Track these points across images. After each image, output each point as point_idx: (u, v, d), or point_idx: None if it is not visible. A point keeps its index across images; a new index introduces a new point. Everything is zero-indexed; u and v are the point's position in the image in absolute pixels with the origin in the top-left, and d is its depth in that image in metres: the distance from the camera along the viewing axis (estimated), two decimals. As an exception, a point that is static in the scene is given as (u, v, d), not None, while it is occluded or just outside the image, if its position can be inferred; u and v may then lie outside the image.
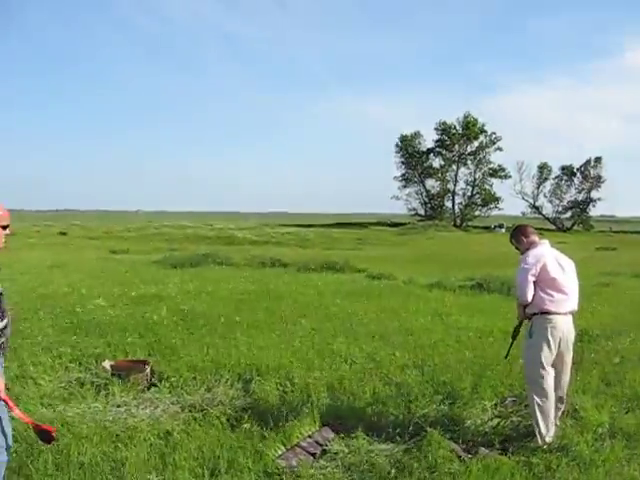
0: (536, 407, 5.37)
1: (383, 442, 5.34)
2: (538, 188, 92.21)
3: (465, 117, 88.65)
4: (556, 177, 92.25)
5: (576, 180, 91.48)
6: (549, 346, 5.38)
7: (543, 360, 5.38)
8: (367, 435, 5.39)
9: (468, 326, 10.30)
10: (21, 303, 11.84)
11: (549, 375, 5.42)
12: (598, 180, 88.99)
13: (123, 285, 15.45)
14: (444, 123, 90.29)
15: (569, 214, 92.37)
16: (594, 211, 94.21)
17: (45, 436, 3.96)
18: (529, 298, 5.44)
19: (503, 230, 73.03)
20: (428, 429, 5.39)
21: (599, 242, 50.66)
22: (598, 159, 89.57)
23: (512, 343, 6.05)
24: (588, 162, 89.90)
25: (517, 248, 5.86)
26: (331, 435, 5.50)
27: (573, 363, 5.90)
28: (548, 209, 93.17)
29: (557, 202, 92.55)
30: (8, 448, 3.92)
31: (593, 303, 13.59)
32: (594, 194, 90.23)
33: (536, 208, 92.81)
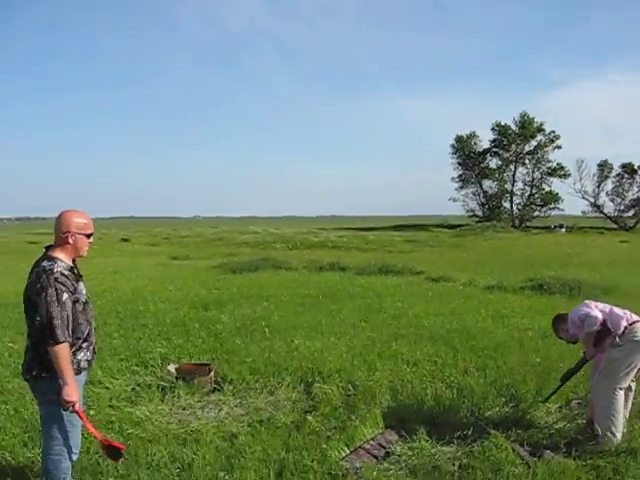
0: (609, 408, 5.29)
1: (446, 444, 5.34)
2: (599, 187, 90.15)
3: (522, 116, 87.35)
4: (617, 175, 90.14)
5: (638, 178, 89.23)
6: (638, 352, 5.33)
7: (630, 365, 5.33)
8: (430, 437, 5.40)
9: (530, 328, 10.16)
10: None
11: (630, 379, 5.40)
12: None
13: (185, 290, 15.71)
14: (500, 124, 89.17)
15: (632, 212, 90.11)
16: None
17: (114, 453, 4.14)
18: (600, 316, 5.38)
19: (563, 230, 71.71)
20: (492, 431, 5.37)
21: (664, 241, 49.33)
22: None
23: (560, 387, 6.01)
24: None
25: (567, 339, 5.92)
26: (394, 437, 5.52)
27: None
28: (610, 208, 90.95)
29: (619, 200, 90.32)
30: (73, 454, 4.18)
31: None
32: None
33: (597, 207, 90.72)
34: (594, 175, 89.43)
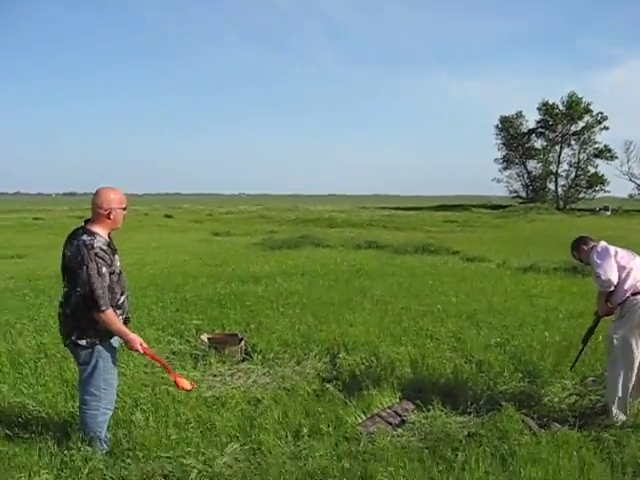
0: (615, 384, 5.48)
1: (460, 415, 5.59)
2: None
3: (569, 96, 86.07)
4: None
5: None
6: (638, 325, 5.48)
7: (632, 340, 5.45)
8: (444, 408, 5.66)
9: (557, 308, 10.31)
10: (129, 281, 12.65)
11: (637, 355, 5.52)
12: None
13: (224, 265, 16.16)
14: (546, 103, 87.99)
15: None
16: None
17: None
18: (615, 280, 5.51)
19: (609, 213, 70.85)
20: (504, 404, 5.62)
21: None
22: None
23: (583, 349, 6.19)
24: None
25: (580, 260, 6.03)
26: (410, 407, 5.79)
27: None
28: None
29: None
30: (108, 409, 4.66)
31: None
32: None
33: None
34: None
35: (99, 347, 4.47)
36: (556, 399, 6.04)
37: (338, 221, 44.09)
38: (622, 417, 5.43)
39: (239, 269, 15.34)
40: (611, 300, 5.66)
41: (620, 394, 5.47)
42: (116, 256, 4.56)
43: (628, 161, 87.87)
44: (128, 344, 4.47)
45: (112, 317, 4.33)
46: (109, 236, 4.58)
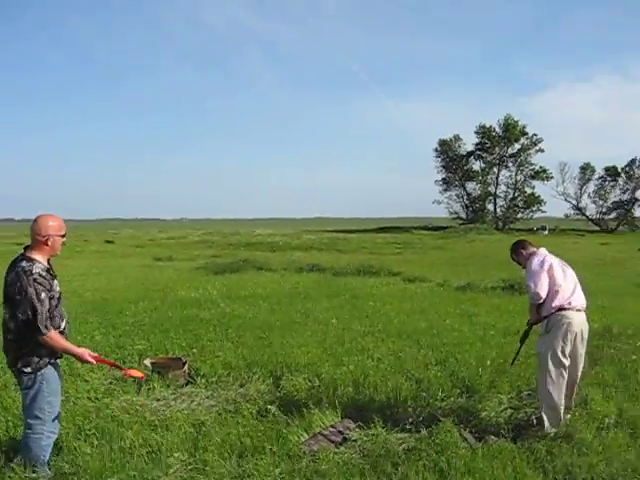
0: (546, 397, 5.71)
1: (400, 431, 5.75)
2: (581, 189, 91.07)
3: (505, 119, 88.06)
4: (600, 178, 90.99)
5: (620, 180, 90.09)
6: (565, 341, 5.70)
7: (559, 354, 5.70)
8: (385, 425, 5.80)
9: (495, 326, 10.61)
10: (69, 307, 12.54)
11: (563, 368, 5.73)
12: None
13: (166, 290, 16.08)
14: (484, 126, 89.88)
15: (614, 215, 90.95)
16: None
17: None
18: (544, 294, 5.75)
19: (546, 232, 72.43)
20: (442, 419, 5.79)
21: (643, 243, 49.87)
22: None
23: (520, 347, 6.41)
24: (633, 162, 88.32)
25: (518, 263, 6.27)
26: (352, 425, 5.92)
27: (591, 358, 6.23)
28: (592, 210, 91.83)
29: (601, 203, 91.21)
30: (52, 434, 4.71)
31: (624, 302, 13.84)
32: (639, 194, 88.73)
33: (579, 209, 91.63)
34: (576, 178, 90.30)
35: (42, 371, 4.52)
36: (492, 413, 6.25)
37: (280, 244, 44.18)
38: (555, 428, 5.65)
39: (182, 294, 15.30)
40: (539, 311, 5.91)
41: (552, 406, 5.70)
42: (55, 281, 4.63)
43: (563, 182, 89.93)
44: (78, 358, 4.61)
45: (55, 337, 4.43)
46: (48, 262, 4.65)
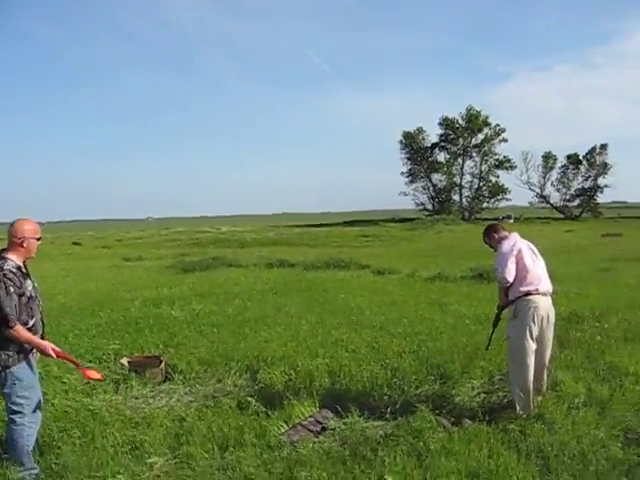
0: (517, 380, 5.88)
1: (377, 419, 5.90)
2: (544, 177, 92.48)
3: (468, 110, 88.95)
4: (562, 166, 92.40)
5: (582, 168, 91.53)
6: (533, 324, 5.86)
7: (527, 337, 5.86)
8: (362, 414, 5.93)
9: (465, 314, 10.80)
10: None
11: (531, 351, 5.89)
12: (604, 167, 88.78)
13: (137, 290, 16.03)
14: (447, 118, 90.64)
15: (577, 202, 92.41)
16: (605, 198, 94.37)
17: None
18: (511, 278, 5.93)
19: (511, 221, 73.34)
20: (418, 405, 5.94)
21: (606, 229, 50.74)
22: (604, 146, 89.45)
23: (493, 332, 6.57)
24: (593, 149, 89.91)
25: (490, 246, 6.38)
26: (330, 415, 6.03)
27: (559, 342, 6.40)
28: (556, 198, 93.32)
29: (564, 190, 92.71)
30: (34, 424, 4.92)
31: (589, 287, 14.14)
32: (601, 181, 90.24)
33: (543, 197, 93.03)
34: (539, 166, 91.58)
35: (12, 369, 4.71)
36: (466, 398, 6.44)
37: (248, 241, 44.21)
38: (526, 409, 5.82)
39: (153, 293, 15.28)
40: (508, 295, 6.09)
41: (522, 389, 5.86)
42: (28, 280, 4.84)
43: (527, 170, 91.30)
44: (41, 351, 4.81)
45: (21, 331, 4.63)
46: (24, 264, 4.89)
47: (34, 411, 4.88)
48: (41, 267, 25.26)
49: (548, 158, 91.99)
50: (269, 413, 5.93)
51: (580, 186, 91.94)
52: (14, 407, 4.76)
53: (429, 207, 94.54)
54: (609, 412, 5.78)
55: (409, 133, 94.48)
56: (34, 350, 4.89)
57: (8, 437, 4.85)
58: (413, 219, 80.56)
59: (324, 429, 5.74)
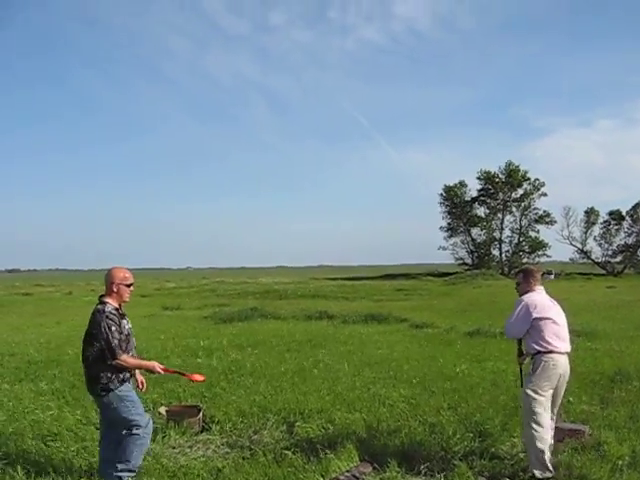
0: (532, 440, 5.73)
1: (415, 475, 5.83)
2: (586, 233, 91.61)
3: (507, 165, 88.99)
4: (604, 222, 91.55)
5: (625, 224, 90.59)
6: (550, 382, 5.81)
7: (544, 395, 5.79)
8: (400, 469, 5.87)
9: (504, 370, 10.65)
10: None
11: (547, 409, 5.82)
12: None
13: (176, 339, 16.13)
14: (487, 172, 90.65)
15: (619, 258, 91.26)
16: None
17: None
18: (515, 336, 6.14)
19: (552, 277, 72.29)
20: (457, 462, 5.86)
21: (650, 286, 49.78)
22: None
23: (521, 368, 6.46)
24: (637, 205, 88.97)
25: (517, 285, 6.34)
26: (368, 469, 5.97)
27: (602, 401, 6.26)
28: (597, 253, 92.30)
29: (606, 246, 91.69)
30: (145, 427, 5.57)
31: (632, 345, 13.86)
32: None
33: (585, 253, 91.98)
34: (581, 222, 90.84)
35: (115, 391, 5.34)
36: (506, 456, 6.31)
37: (288, 292, 44.21)
38: (548, 474, 5.68)
39: (191, 342, 15.36)
40: (523, 345, 6.13)
41: (538, 448, 5.69)
42: (124, 320, 5.51)
43: (568, 226, 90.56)
44: (149, 370, 5.60)
45: (128, 359, 5.36)
46: (120, 306, 5.58)
47: (147, 421, 5.56)
48: (81, 313, 25.63)
49: (590, 213, 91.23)
50: (306, 466, 5.88)
51: (623, 242, 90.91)
52: (129, 423, 5.38)
53: (468, 261, 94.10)
54: (654, 475, 5.64)
55: (450, 187, 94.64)
56: (132, 374, 5.59)
57: (124, 448, 5.43)
58: (452, 273, 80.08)
59: (361, 484, 5.68)
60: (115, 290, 5.49)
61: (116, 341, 5.25)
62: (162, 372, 5.66)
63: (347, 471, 5.93)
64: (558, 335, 5.90)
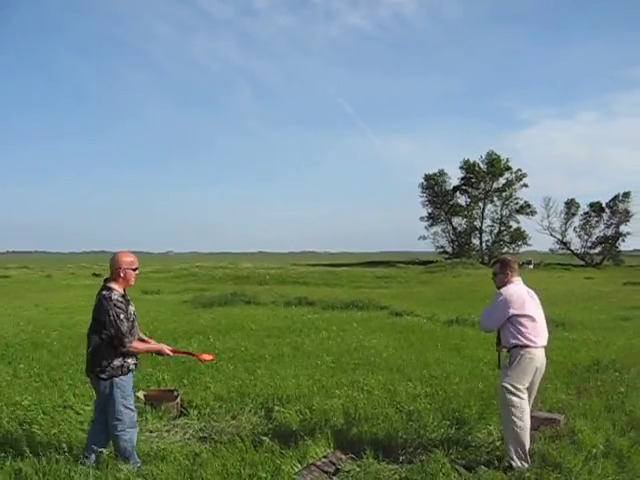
0: (513, 430, 5.73)
1: (392, 462, 5.85)
2: (566, 224, 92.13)
3: (489, 155, 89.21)
4: (585, 213, 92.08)
5: (604, 215, 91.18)
6: (527, 375, 5.84)
7: (521, 387, 5.81)
8: (377, 456, 5.89)
9: (482, 359, 10.71)
10: (61, 339, 12.62)
11: (525, 401, 5.83)
12: (627, 215, 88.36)
13: (155, 323, 16.08)
14: (468, 161, 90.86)
15: (598, 249, 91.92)
16: (627, 246, 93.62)
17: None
18: (489, 329, 6.26)
19: (531, 266, 72.75)
20: (433, 450, 5.89)
21: (627, 277, 50.13)
22: (627, 194, 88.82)
23: (499, 354, 6.50)
24: (616, 197, 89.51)
25: (494, 275, 6.34)
26: (344, 456, 6.00)
27: (578, 390, 6.34)
28: (577, 244, 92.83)
29: (586, 237, 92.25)
30: (133, 427, 5.61)
31: (609, 335, 14.00)
32: (623, 228, 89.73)
33: (564, 244, 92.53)
34: (561, 213, 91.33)
35: (115, 380, 5.38)
36: (482, 444, 6.35)
37: (268, 278, 44.24)
38: (524, 463, 5.72)
39: (170, 326, 15.34)
40: (501, 337, 6.16)
41: (518, 440, 5.71)
42: (130, 306, 5.57)
43: (548, 216, 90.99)
44: (159, 353, 5.74)
45: (137, 345, 5.48)
46: (124, 291, 5.61)
47: (132, 417, 5.54)
48: (60, 297, 25.55)
49: (571, 205, 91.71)
50: (283, 452, 5.89)
51: (602, 233, 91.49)
52: (116, 415, 5.40)
53: (449, 250, 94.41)
54: (628, 464, 5.69)
55: (430, 176, 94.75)
56: (137, 364, 5.66)
57: (114, 441, 5.52)
58: (432, 262, 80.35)
59: (338, 470, 5.69)
60: (122, 275, 5.53)
61: (125, 328, 5.31)
62: (171, 354, 5.75)
63: (324, 457, 5.95)
64: (535, 330, 5.93)
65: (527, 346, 5.84)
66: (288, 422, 6.96)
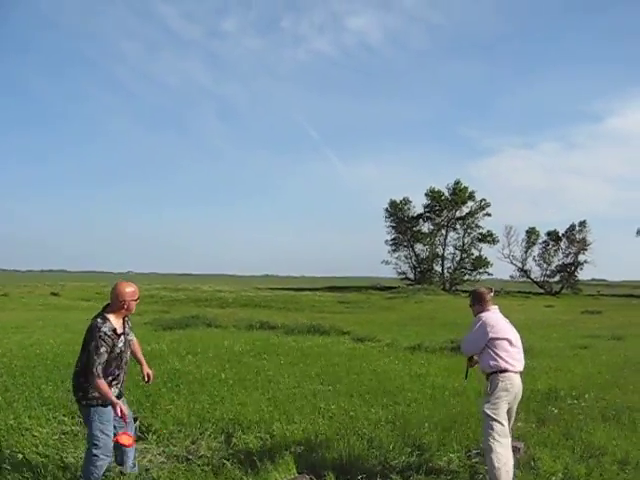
0: (496, 456, 5.79)
1: (353, 488, 5.83)
2: (526, 252, 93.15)
3: (455, 184, 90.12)
4: (543, 242, 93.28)
5: (562, 244, 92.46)
6: (506, 400, 5.94)
7: (501, 413, 5.90)
8: (339, 482, 5.87)
9: (444, 386, 10.75)
10: (17, 359, 12.38)
11: (505, 426, 5.92)
12: (584, 243, 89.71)
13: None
14: (433, 190, 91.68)
15: (557, 278, 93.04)
16: (585, 275, 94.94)
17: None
18: (470, 353, 6.40)
19: (492, 294, 73.31)
20: (394, 477, 5.88)
21: (585, 305, 50.78)
22: (583, 223, 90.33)
23: (467, 366, 6.68)
24: (573, 226, 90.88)
25: (471, 307, 6.50)
26: (306, 482, 5.96)
27: (537, 418, 6.43)
28: (536, 273, 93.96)
29: (545, 266, 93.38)
30: (108, 455, 5.61)
31: (567, 363, 14.15)
32: (581, 257, 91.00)
33: (524, 272, 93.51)
34: (522, 241, 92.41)
35: (96, 408, 5.47)
36: (443, 470, 6.36)
37: (229, 301, 44.02)
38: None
39: (130, 349, 15.13)
40: (478, 362, 6.29)
41: (499, 466, 5.78)
42: (120, 339, 5.60)
43: (509, 245, 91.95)
44: (113, 406, 5.42)
45: (101, 385, 5.33)
46: (123, 319, 5.74)
47: (107, 446, 5.52)
48: (19, 317, 25.10)
49: (531, 233, 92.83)
50: (244, 477, 5.84)
51: (560, 262, 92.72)
52: (92, 439, 5.47)
53: (410, 276, 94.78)
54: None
55: (395, 202, 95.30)
56: (120, 394, 5.74)
57: (84, 463, 5.57)
58: (394, 287, 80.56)
59: (298, 497, 5.66)
60: (125, 307, 5.60)
61: (99, 362, 5.32)
62: (118, 415, 5.44)
63: (285, 482, 5.91)
64: (513, 356, 6.07)
65: (506, 370, 5.97)
66: (249, 447, 6.90)
